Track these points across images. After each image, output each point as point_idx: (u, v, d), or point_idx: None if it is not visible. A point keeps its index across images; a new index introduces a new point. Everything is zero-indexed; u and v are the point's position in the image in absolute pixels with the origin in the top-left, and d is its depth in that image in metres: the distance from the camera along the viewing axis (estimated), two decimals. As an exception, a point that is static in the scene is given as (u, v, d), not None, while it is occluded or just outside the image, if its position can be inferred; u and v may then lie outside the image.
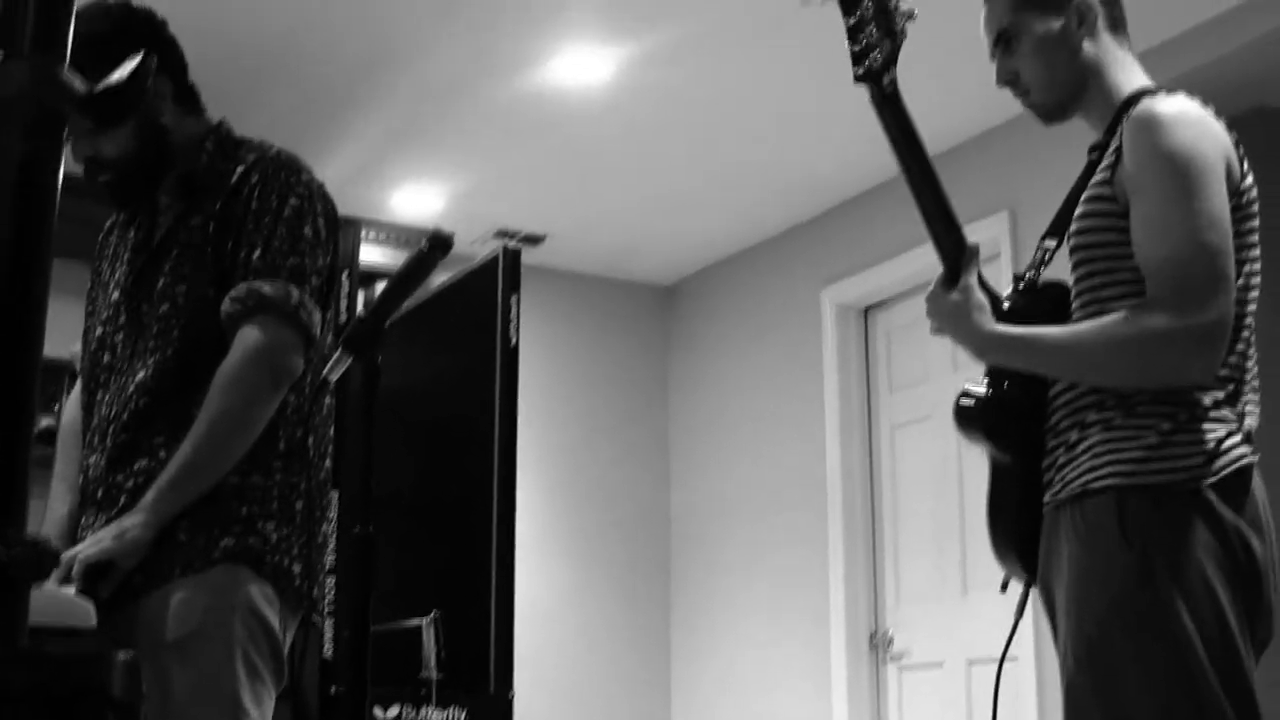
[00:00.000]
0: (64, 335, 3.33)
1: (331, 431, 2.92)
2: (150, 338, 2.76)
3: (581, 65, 5.71)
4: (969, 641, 6.20)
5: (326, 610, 4.77)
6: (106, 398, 2.79)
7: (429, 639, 4.64)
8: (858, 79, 2.60)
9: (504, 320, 4.76)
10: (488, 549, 4.61)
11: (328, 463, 2.87)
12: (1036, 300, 2.70)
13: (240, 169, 2.82)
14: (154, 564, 2.59)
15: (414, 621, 4.77)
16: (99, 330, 2.88)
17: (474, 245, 7.21)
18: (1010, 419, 2.68)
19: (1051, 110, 2.80)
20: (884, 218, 6.77)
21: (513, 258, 4.84)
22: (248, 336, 2.68)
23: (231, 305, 2.71)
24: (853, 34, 2.59)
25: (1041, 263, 2.72)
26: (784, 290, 7.45)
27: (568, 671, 7.55)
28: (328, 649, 5.34)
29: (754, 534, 7.40)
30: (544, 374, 7.63)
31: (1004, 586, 2.81)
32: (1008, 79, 2.82)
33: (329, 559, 2.92)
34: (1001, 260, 6.06)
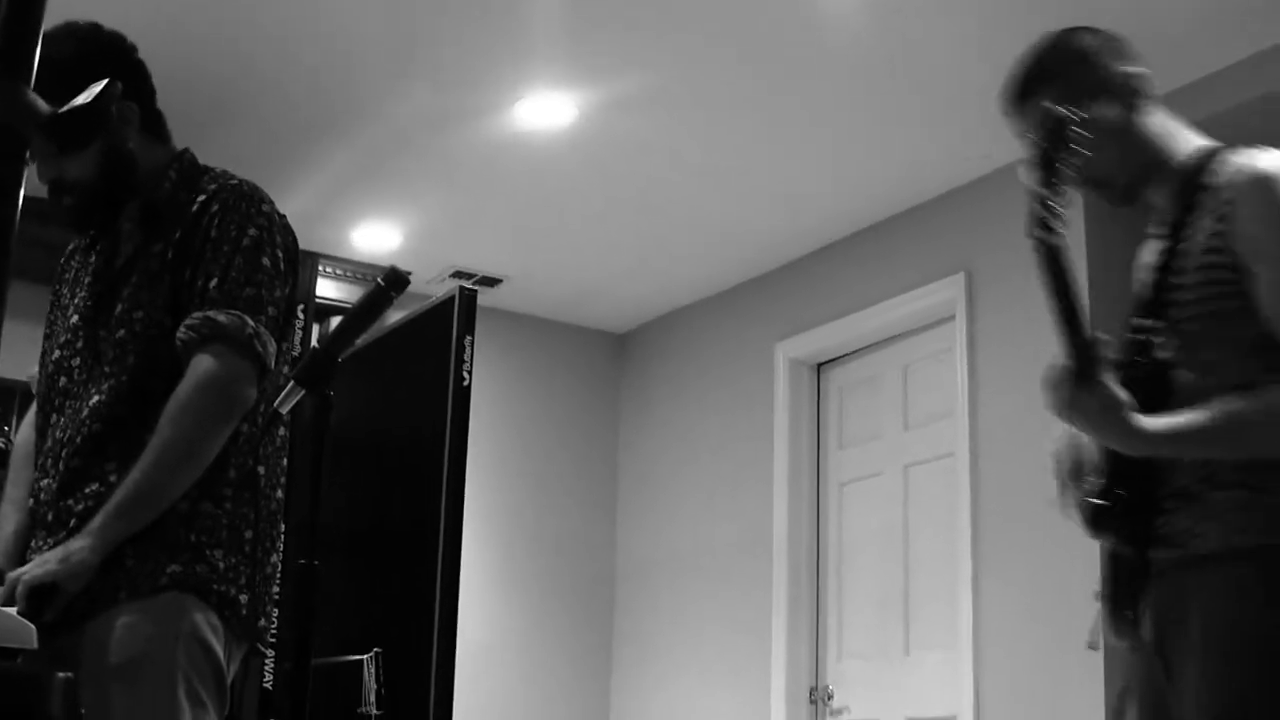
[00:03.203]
0: (21, 358, 3.31)
1: (285, 463, 2.91)
2: (106, 363, 2.74)
3: (544, 110, 5.73)
4: (909, 700, 6.21)
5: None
6: (61, 421, 2.78)
7: (369, 675, 4.63)
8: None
9: (457, 361, 4.77)
10: (432, 587, 4.61)
11: (279, 494, 2.86)
12: (1144, 385, 2.55)
13: (201, 198, 2.81)
14: (99, 588, 2.57)
15: (355, 657, 4.76)
16: (56, 354, 2.85)
17: (430, 284, 7.22)
18: (1139, 518, 2.58)
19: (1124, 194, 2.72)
20: (840, 275, 6.81)
21: (469, 300, 4.85)
22: (201, 365, 2.67)
23: (186, 333, 2.70)
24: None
25: (1146, 347, 2.60)
26: (738, 343, 7.48)
27: (507, 712, 7.52)
28: (268, 680, 5.31)
29: (698, 582, 7.40)
30: (494, 414, 7.61)
31: (1095, 645, 2.78)
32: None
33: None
34: (956, 321, 6.10)
